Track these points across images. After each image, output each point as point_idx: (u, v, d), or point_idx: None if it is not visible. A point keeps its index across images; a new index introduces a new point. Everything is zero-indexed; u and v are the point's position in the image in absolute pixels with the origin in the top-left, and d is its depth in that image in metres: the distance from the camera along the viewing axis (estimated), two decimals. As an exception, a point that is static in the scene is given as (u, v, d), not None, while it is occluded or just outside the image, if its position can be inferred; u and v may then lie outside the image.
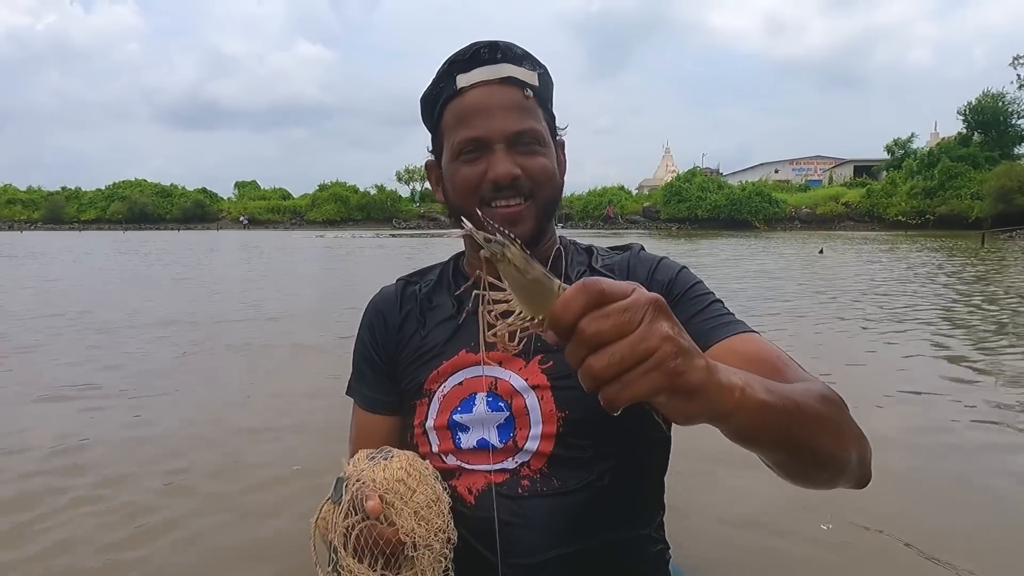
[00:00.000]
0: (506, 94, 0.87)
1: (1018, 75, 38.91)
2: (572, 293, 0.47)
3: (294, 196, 70.60)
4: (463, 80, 0.88)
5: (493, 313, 0.55)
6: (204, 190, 71.00)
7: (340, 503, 0.79)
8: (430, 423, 0.93)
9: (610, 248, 1.05)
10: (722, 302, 0.91)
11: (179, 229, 54.68)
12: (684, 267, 0.97)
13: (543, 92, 0.92)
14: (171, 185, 70.97)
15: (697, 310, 0.88)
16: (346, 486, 0.79)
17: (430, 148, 0.99)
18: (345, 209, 61.48)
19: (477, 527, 0.86)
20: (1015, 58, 38.78)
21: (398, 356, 1.01)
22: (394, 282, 1.09)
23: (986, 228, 27.67)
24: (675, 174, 51.94)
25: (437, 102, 0.92)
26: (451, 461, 0.91)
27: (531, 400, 0.88)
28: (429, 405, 0.94)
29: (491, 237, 0.52)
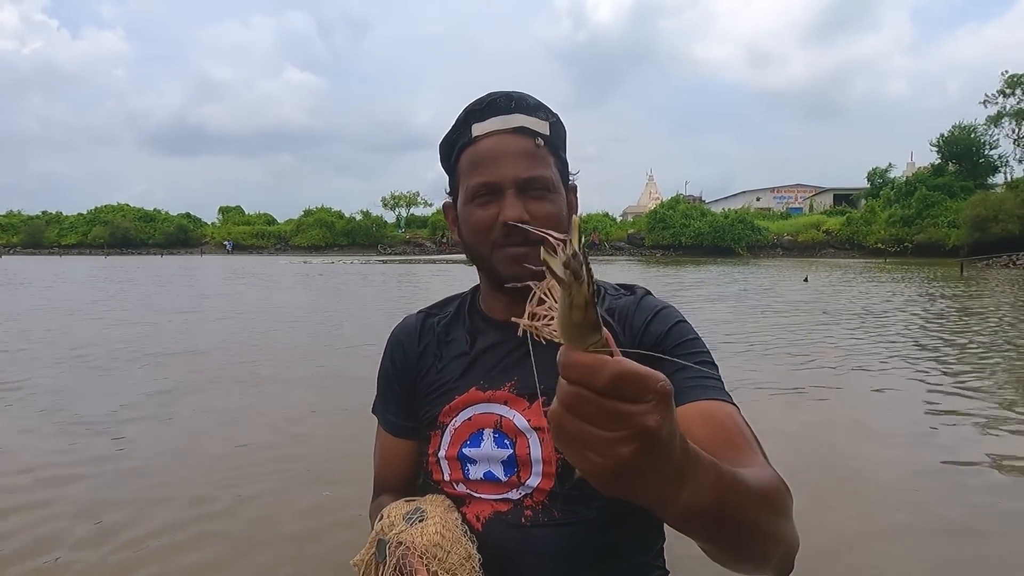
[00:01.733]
0: (517, 143, 0.92)
1: (988, 116, 40.05)
2: (609, 367, 0.46)
3: (279, 221, 70.34)
4: (478, 129, 0.93)
5: (539, 299, 0.52)
6: (188, 215, 70.52)
7: (384, 563, 0.85)
8: (442, 453, 0.98)
9: (618, 286, 1.06)
10: (712, 363, 0.92)
11: (162, 254, 54.08)
12: (682, 320, 0.97)
13: (554, 140, 0.96)
14: (154, 210, 70.44)
15: (680, 367, 0.88)
16: (389, 549, 0.85)
17: (448, 190, 1.03)
18: (330, 235, 61.36)
19: (484, 553, 0.90)
20: (986, 97, 40.02)
21: (416, 387, 1.06)
22: (415, 313, 1.13)
23: (964, 256, 28.25)
24: (659, 201, 52.59)
25: (454, 148, 0.97)
26: (461, 489, 0.96)
27: (533, 440, 0.92)
28: (442, 437, 0.99)
29: (576, 255, 0.45)
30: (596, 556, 0.91)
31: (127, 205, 71.01)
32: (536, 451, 0.92)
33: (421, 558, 0.82)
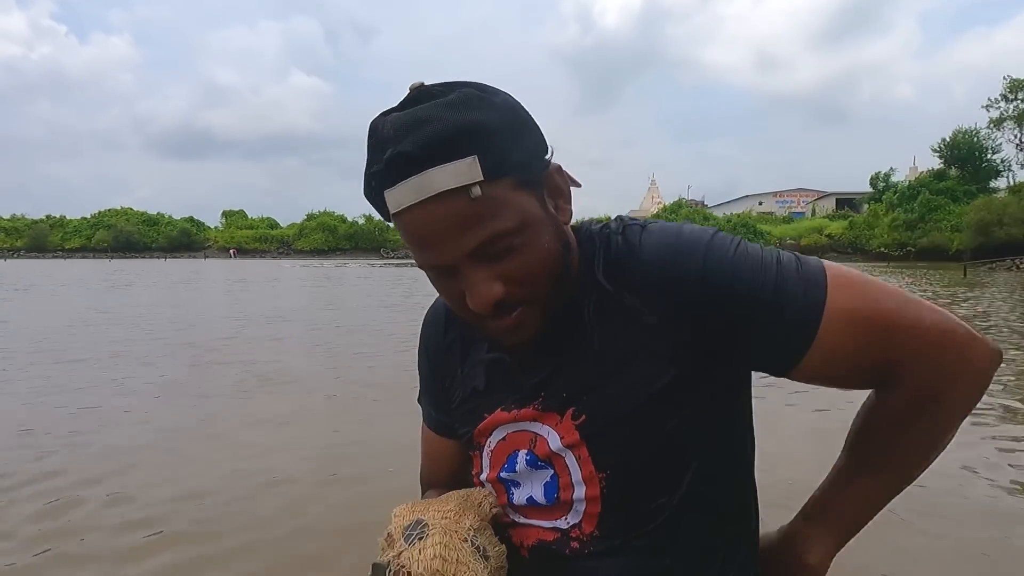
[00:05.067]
0: (445, 209, 0.64)
1: (990, 117, 40.25)
2: None
3: (282, 225, 70.63)
4: (392, 201, 0.66)
5: None
6: (191, 219, 70.88)
7: None
8: (484, 476, 0.87)
9: (626, 222, 0.79)
10: (792, 260, 0.70)
11: (165, 258, 54.28)
12: (738, 241, 0.71)
13: (496, 161, 0.66)
14: (158, 214, 70.84)
15: (776, 323, 0.68)
16: (391, 574, 0.75)
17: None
18: (333, 238, 61.48)
19: None
20: (989, 101, 40.15)
21: (450, 392, 0.90)
22: None
23: (967, 260, 28.34)
24: (661, 206, 52.78)
25: (379, 207, 0.71)
26: (509, 514, 0.85)
27: (570, 460, 0.78)
28: (481, 459, 0.87)
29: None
30: None
31: (131, 209, 71.38)
32: (576, 472, 0.78)
33: None
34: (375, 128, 0.67)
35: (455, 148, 0.63)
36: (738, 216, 47.15)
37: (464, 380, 0.87)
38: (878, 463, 0.76)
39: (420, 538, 0.75)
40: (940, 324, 0.67)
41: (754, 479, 0.87)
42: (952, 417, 0.71)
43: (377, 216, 0.81)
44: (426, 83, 0.68)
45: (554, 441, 0.78)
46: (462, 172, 0.63)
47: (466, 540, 0.76)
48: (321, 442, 3.58)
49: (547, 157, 0.73)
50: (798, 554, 0.82)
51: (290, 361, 6.28)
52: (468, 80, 0.70)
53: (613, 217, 0.81)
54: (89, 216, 70.32)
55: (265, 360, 6.19)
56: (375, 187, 0.68)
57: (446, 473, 0.96)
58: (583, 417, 0.76)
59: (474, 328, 0.84)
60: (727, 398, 0.79)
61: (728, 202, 67.26)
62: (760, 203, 63.03)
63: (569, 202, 0.76)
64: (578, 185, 0.78)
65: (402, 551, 0.74)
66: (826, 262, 0.71)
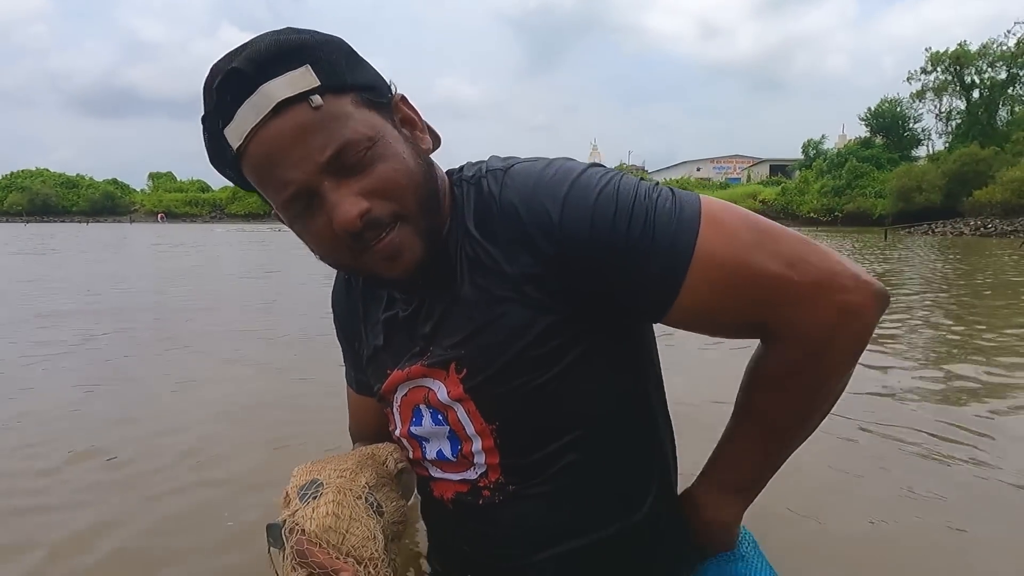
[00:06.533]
0: (289, 123, 0.63)
1: (912, 90, 42.04)
2: None
3: (213, 188, 67.76)
4: (232, 137, 0.66)
5: None
6: (115, 181, 67.15)
7: (282, 550, 0.76)
8: (397, 432, 0.88)
9: (490, 166, 0.76)
10: (667, 199, 0.68)
11: (87, 222, 51.36)
12: (606, 182, 0.68)
13: (331, 74, 0.65)
14: (77, 175, 66.74)
15: (640, 269, 0.67)
16: (285, 533, 0.75)
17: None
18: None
19: (462, 533, 0.86)
20: (910, 74, 41.86)
21: (360, 351, 0.93)
22: None
23: (888, 224, 29.95)
24: (603, 171, 53.11)
25: (227, 165, 0.70)
26: (425, 468, 0.88)
27: (460, 414, 0.79)
28: (393, 415, 0.88)
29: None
30: (571, 528, 0.80)
31: (47, 170, 67.08)
32: (468, 426, 0.79)
33: (315, 544, 0.73)
34: (203, 88, 0.67)
35: (286, 61, 0.64)
36: (676, 181, 48.15)
37: (368, 338, 0.90)
38: (763, 420, 0.77)
39: (314, 497, 0.76)
40: (816, 277, 0.65)
41: (669, 427, 0.89)
42: (835, 370, 0.70)
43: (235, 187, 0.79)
44: None
45: (442, 394, 0.79)
46: (297, 80, 0.63)
47: (360, 497, 0.78)
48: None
49: (390, 92, 0.72)
50: (696, 511, 0.86)
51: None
52: None
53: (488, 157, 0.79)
54: (0, 178, 65.57)
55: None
56: (215, 132, 0.66)
57: (371, 428, 1.00)
58: (464, 371, 0.76)
59: (374, 286, 0.88)
60: (619, 345, 0.79)
61: (668, 168, 68.61)
62: (698, 169, 64.51)
63: (425, 132, 0.75)
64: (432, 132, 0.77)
65: (296, 510, 0.76)
66: (707, 198, 0.69)
